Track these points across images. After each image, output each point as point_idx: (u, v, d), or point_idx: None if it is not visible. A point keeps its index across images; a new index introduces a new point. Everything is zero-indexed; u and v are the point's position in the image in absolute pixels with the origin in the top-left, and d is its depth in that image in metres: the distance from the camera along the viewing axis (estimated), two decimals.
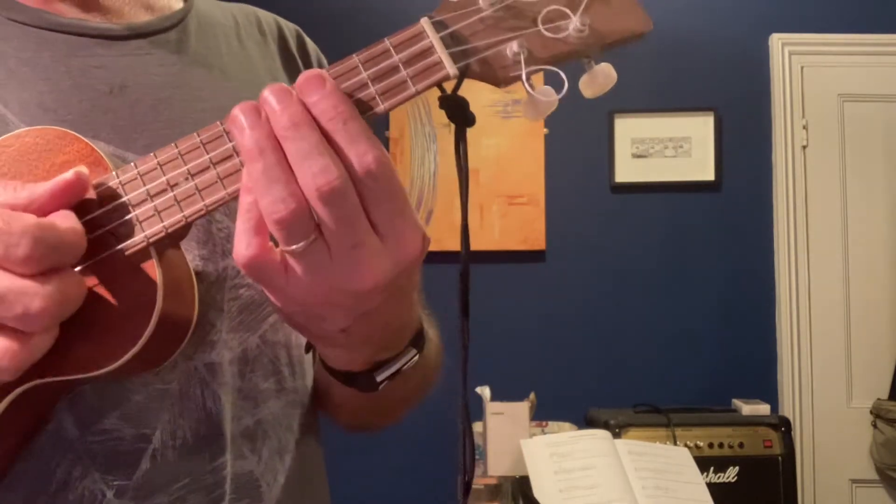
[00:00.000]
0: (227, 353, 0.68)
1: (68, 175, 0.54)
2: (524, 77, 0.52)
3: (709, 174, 3.05)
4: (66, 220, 0.53)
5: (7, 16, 0.68)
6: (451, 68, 0.52)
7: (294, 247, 0.49)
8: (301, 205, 0.48)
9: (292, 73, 0.82)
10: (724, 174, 3.05)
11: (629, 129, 3.04)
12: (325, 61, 0.87)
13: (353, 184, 0.48)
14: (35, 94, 0.65)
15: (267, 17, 0.85)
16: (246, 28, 0.81)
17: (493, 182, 2.99)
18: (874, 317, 3.01)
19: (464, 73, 0.53)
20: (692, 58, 3.06)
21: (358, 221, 0.49)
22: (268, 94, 0.49)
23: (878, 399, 2.91)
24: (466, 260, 0.58)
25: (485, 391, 2.16)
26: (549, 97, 0.53)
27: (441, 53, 0.52)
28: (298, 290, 0.51)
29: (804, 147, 3.04)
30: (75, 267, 0.54)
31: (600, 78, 0.54)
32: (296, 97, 0.49)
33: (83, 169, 0.54)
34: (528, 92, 0.53)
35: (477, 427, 2.29)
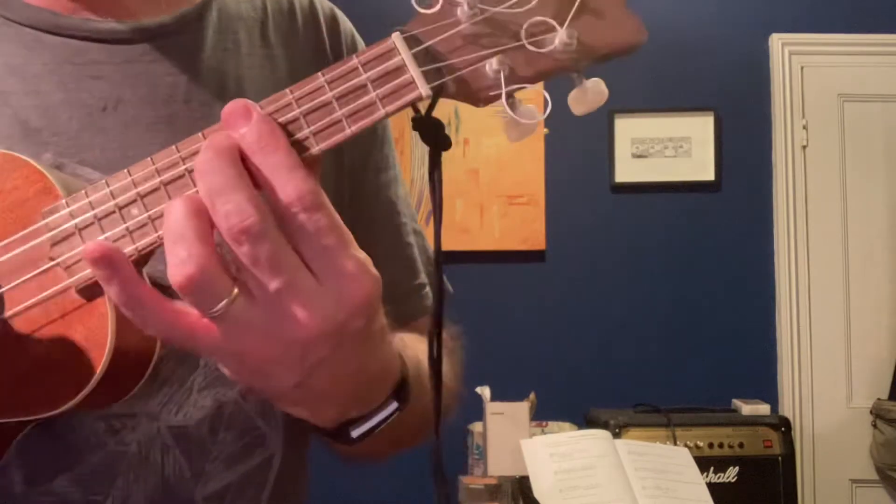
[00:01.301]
0: (196, 412, 0.63)
1: None
2: (504, 97, 0.48)
3: (709, 174, 3.05)
4: None
5: (2, 13, 0.63)
6: (423, 88, 0.47)
7: (213, 310, 0.44)
8: (202, 268, 0.43)
9: (320, 65, 0.75)
10: (724, 174, 3.05)
11: (629, 129, 3.04)
12: (360, 43, 0.79)
13: (277, 220, 0.44)
14: (19, 109, 0.60)
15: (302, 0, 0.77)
16: (275, 18, 0.74)
17: (493, 182, 2.98)
18: (874, 317, 3.01)
19: (438, 94, 0.48)
20: (692, 58, 3.06)
21: (281, 262, 0.44)
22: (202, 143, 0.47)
23: (878, 399, 2.91)
24: (439, 301, 0.52)
25: (485, 391, 2.16)
26: (532, 118, 0.49)
27: (413, 72, 0.47)
28: (230, 349, 0.46)
29: (804, 147, 3.04)
30: (23, 303, 0.52)
31: (590, 94, 0.50)
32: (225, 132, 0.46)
33: None
34: (508, 113, 0.49)
35: (477, 427, 2.29)
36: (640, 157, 3.05)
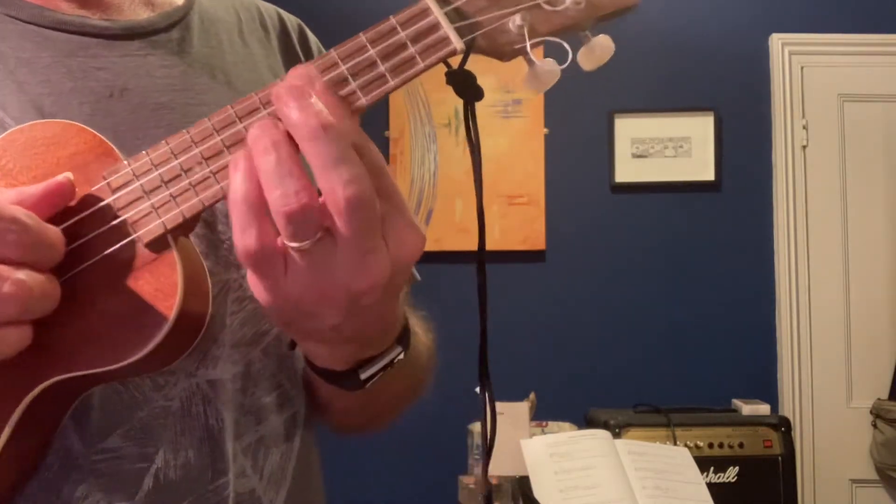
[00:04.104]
0: (230, 367, 0.67)
1: (60, 178, 0.53)
2: (528, 49, 0.54)
3: (709, 174, 3.05)
4: (51, 226, 0.52)
5: (4, 12, 0.66)
6: (457, 43, 0.52)
7: (300, 244, 0.48)
8: (312, 199, 0.47)
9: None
10: (724, 174, 3.05)
11: (629, 129, 3.04)
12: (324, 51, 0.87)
13: None
14: (34, 97, 0.64)
15: (269, 10, 0.83)
16: (248, 24, 0.79)
17: (493, 182, 2.98)
18: (874, 317, 3.01)
19: (469, 48, 0.53)
20: (692, 58, 3.06)
21: (377, 228, 0.49)
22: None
23: (878, 399, 2.91)
24: (482, 245, 0.58)
25: None
26: (552, 68, 0.54)
27: (447, 29, 0.52)
28: (295, 286, 0.50)
29: (804, 147, 3.04)
30: (80, 266, 0.55)
31: (598, 50, 0.55)
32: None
33: (71, 175, 0.54)
34: (531, 63, 0.54)
35: (477, 427, 2.29)
36: (640, 157, 3.05)
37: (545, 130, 3.03)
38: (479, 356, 0.61)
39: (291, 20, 0.85)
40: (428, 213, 2.97)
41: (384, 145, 3.00)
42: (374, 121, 2.98)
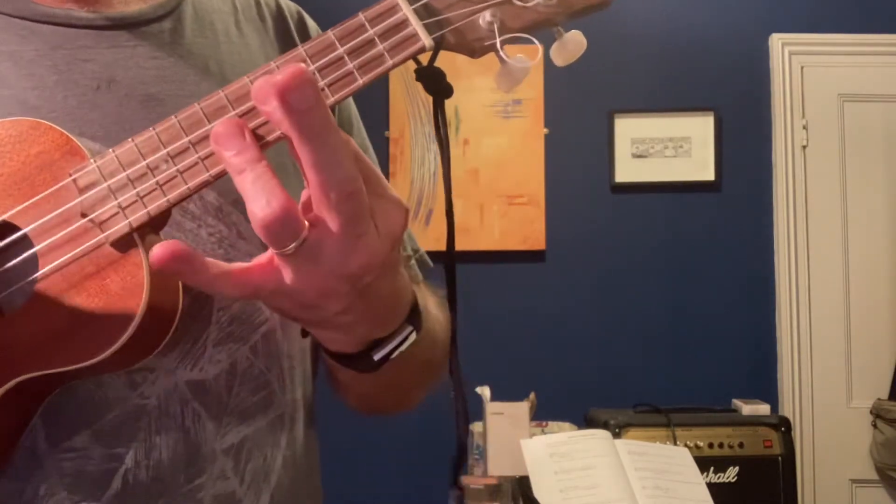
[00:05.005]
0: (212, 368, 0.65)
1: None
2: (498, 46, 0.53)
3: (709, 174, 3.05)
4: None
5: None
6: (426, 40, 0.52)
7: (284, 249, 0.48)
8: (285, 208, 0.47)
9: None
10: (724, 174, 3.05)
11: (629, 129, 3.04)
12: None
13: None
14: (18, 91, 0.63)
15: None
16: (245, 12, 0.78)
17: (493, 182, 2.99)
18: (874, 317, 3.01)
19: (439, 45, 0.53)
20: (692, 58, 3.06)
21: (368, 215, 0.49)
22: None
23: (878, 399, 2.91)
24: (451, 245, 0.58)
25: (485, 391, 2.16)
26: (523, 64, 0.54)
27: (416, 26, 0.52)
28: (291, 286, 0.50)
29: (804, 147, 3.04)
30: (57, 260, 0.55)
31: (570, 45, 0.55)
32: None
33: None
34: (502, 60, 0.54)
35: (477, 427, 2.29)
36: (640, 157, 3.05)
37: (545, 130, 3.02)
38: (450, 353, 0.60)
39: (290, 7, 0.83)
40: (428, 213, 2.97)
41: (384, 145, 3.00)
42: (374, 121, 2.98)
